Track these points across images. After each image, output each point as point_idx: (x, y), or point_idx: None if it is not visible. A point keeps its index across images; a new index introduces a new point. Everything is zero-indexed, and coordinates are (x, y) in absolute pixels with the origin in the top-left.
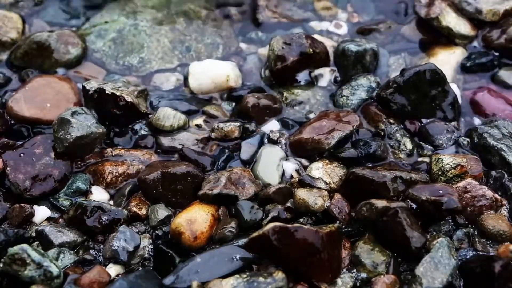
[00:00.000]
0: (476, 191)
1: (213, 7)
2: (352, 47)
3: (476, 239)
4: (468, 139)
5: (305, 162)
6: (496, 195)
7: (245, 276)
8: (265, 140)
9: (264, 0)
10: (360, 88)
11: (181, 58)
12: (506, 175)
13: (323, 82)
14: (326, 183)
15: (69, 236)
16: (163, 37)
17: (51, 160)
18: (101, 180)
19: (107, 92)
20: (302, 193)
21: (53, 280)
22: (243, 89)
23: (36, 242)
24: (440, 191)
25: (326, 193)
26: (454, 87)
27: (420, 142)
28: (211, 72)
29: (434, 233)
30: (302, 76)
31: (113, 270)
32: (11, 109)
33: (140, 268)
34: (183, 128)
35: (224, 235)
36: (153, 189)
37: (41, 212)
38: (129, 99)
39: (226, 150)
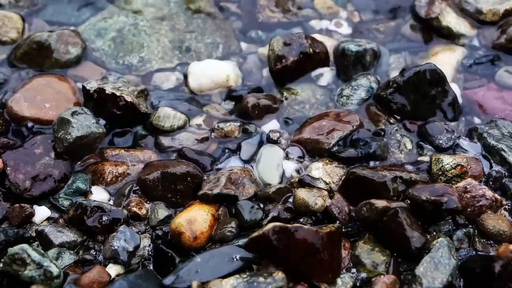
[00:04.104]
0: (476, 191)
1: (213, 6)
2: (352, 47)
3: (476, 239)
4: (468, 139)
5: (305, 161)
6: (496, 195)
7: (245, 276)
8: (265, 140)
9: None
10: (360, 88)
11: (181, 57)
12: (506, 175)
13: (323, 82)
14: (326, 183)
15: (69, 236)
16: (163, 36)
17: (51, 160)
18: (101, 180)
19: (107, 92)
20: (302, 193)
21: (53, 280)
22: (243, 88)
23: (36, 242)
24: (440, 191)
25: (326, 193)
26: (454, 86)
27: (420, 142)
28: (211, 72)
29: (434, 233)
30: (302, 76)
31: (113, 270)
32: (11, 109)
33: (140, 268)
34: (183, 128)
35: (224, 235)
36: (153, 189)
37: (41, 212)
38: (129, 99)
39: (226, 150)
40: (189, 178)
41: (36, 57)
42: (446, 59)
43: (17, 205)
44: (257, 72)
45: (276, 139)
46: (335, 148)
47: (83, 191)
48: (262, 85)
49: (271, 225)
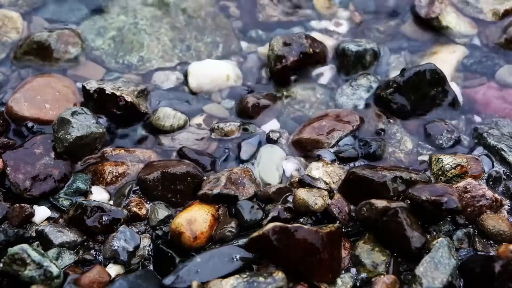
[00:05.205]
0: (476, 191)
1: (213, 5)
2: (352, 47)
3: (476, 239)
4: (468, 139)
5: (305, 161)
6: (496, 195)
7: (245, 276)
8: (265, 140)
9: None
10: (360, 88)
11: (181, 56)
12: (506, 175)
13: (323, 82)
14: (326, 183)
15: (69, 236)
16: (163, 35)
17: (51, 160)
18: (101, 180)
19: (107, 92)
20: (302, 193)
21: (53, 280)
22: (243, 88)
23: (36, 242)
24: (440, 191)
25: (326, 193)
26: (454, 86)
27: (420, 142)
28: (211, 71)
29: (434, 233)
30: (302, 76)
31: (113, 270)
32: (11, 109)
33: (140, 268)
34: (183, 127)
35: (224, 235)
36: (153, 189)
37: (41, 212)
38: (129, 99)
39: (226, 150)
40: (189, 178)
41: (36, 57)
42: (446, 59)
43: (17, 205)
44: (257, 71)
45: (276, 139)
46: (335, 148)
47: (83, 191)
48: (262, 84)
49: (271, 225)
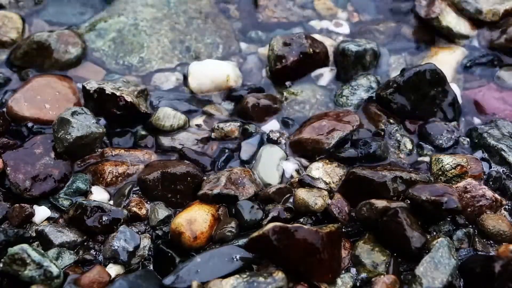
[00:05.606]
0: (476, 191)
1: (213, 6)
2: (352, 47)
3: (476, 239)
4: (468, 139)
5: (305, 162)
6: (496, 195)
7: (245, 276)
8: (265, 140)
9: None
10: (360, 88)
11: (181, 57)
12: (505, 175)
13: (323, 82)
14: (326, 183)
15: (69, 236)
16: (163, 36)
17: (51, 160)
18: (101, 180)
19: (107, 92)
20: (302, 193)
21: (53, 280)
22: (243, 89)
23: (36, 242)
24: (440, 191)
25: (326, 193)
26: (454, 86)
27: (420, 142)
28: (211, 72)
29: (434, 233)
30: (302, 76)
31: (113, 270)
32: (11, 109)
33: (140, 268)
34: (183, 128)
35: (224, 235)
36: (153, 189)
37: (41, 212)
38: (129, 99)
39: (226, 150)
40: (189, 178)
41: (36, 57)
42: (446, 59)
43: (17, 205)
44: (257, 72)
45: (276, 139)
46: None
47: (83, 191)
48: (262, 85)
49: (271, 225)
